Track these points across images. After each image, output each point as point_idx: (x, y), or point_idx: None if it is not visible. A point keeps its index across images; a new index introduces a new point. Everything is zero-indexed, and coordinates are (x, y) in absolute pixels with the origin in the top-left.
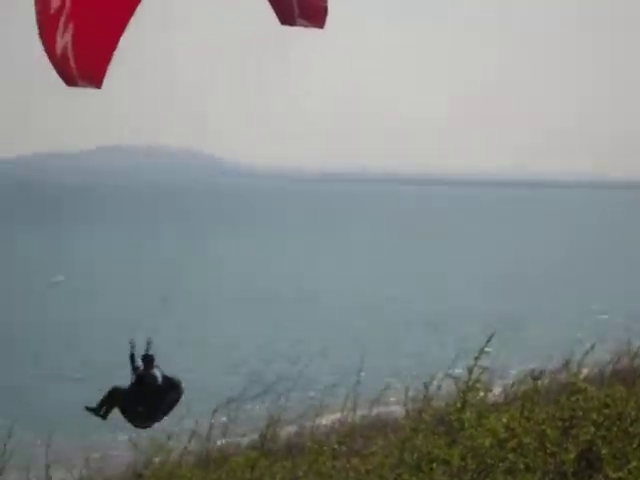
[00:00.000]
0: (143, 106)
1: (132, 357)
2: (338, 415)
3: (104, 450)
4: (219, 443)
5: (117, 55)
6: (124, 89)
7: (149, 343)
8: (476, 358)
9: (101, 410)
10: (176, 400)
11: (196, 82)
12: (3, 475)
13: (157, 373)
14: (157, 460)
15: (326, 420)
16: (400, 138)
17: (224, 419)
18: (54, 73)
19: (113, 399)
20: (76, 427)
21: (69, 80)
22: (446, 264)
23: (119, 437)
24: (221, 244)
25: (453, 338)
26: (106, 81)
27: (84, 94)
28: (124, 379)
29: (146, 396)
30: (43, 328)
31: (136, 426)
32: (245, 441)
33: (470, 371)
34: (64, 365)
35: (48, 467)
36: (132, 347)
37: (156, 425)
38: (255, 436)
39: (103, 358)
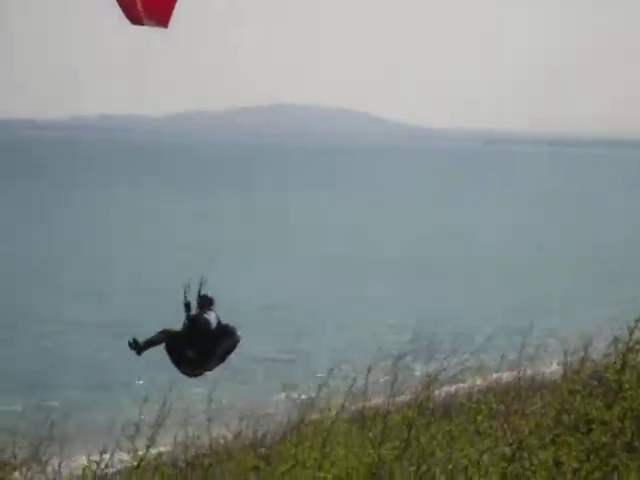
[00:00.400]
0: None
1: (186, 300)
2: (495, 375)
3: (260, 408)
4: (375, 401)
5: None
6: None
7: (202, 283)
8: (637, 320)
9: (144, 347)
10: (231, 348)
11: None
12: (162, 429)
13: (212, 317)
14: (313, 417)
15: (483, 380)
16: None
17: (383, 378)
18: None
19: (161, 339)
20: (233, 385)
21: (135, 19)
22: (613, 226)
23: (274, 397)
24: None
25: (614, 300)
26: (253, 38)
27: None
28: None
29: (197, 341)
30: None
31: (184, 373)
32: (402, 400)
33: (630, 332)
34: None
35: (209, 422)
36: (186, 289)
37: (310, 382)
38: (412, 395)
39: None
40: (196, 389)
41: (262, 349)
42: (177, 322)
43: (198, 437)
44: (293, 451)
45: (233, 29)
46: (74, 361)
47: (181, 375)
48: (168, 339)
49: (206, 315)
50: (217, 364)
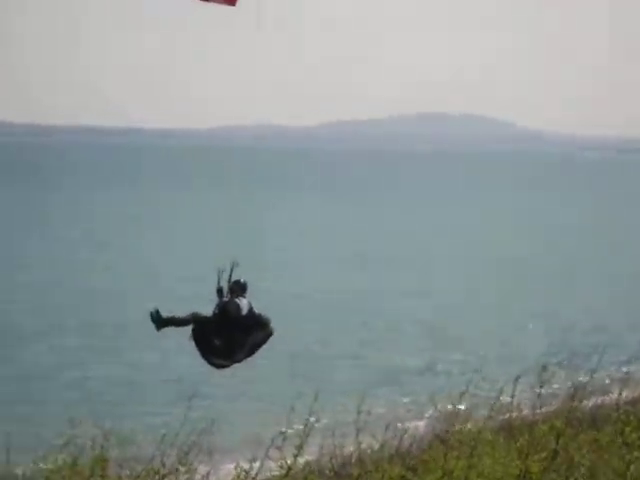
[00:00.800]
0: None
1: (219, 286)
2: None
3: (406, 418)
4: (521, 411)
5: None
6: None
7: (233, 267)
8: None
9: (165, 323)
10: (262, 340)
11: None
12: (309, 438)
13: (243, 303)
14: (459, 427)
15: (631, 391)
16: None
17: (528, 387)
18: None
19: (187, 321)
20: (380, 398)
21: None
22: None
23: (420, 406)
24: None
25: None
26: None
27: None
28: None
29: (226, 328)
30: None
31: (211, 364)
32: (549, 410)
33: None
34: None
35: (358, 432)
36: (219, 276)
37: (456, 391)
38: (558, 405)
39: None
40: (342, 399)
41: (408, 359)
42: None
43: (343, 447)
44: (441, 461)
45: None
46: (222, 370)
47: (328, 385)
48: (195, 323)
49: (237, 300)
50: (247, 356)
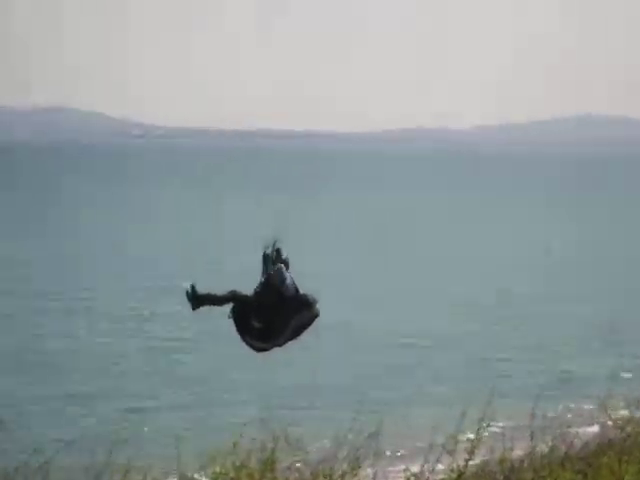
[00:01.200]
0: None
1: (265, 258)
2: None
3: (575, 425)
4: None
5: None
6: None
7: (276, 240)
8: None
9: (202, 302)
10: (308, 322)
11: None
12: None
13: (286, 273)
14: (629, 432)
15: None
16: None
17: None
18: None
19: (225, 299)
20: (550, 402)
21: None
22: None
23: (589, 410)
24: None
25: None
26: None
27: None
28: None
29: (268, 308)
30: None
31: (250, 346)
32: None
33: None
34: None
35: (532, 436)
36: (265, 249)
37: (629, 398)
38: None
39: None
40: (514, 402)
41: (578, 363)
42: None
43: (512, 449)
44: (615, 466)
45: None
46: (394, 375)
47: (500, 390)
48: (235, 301)
49: (280, 267)
50: (290, 339)
